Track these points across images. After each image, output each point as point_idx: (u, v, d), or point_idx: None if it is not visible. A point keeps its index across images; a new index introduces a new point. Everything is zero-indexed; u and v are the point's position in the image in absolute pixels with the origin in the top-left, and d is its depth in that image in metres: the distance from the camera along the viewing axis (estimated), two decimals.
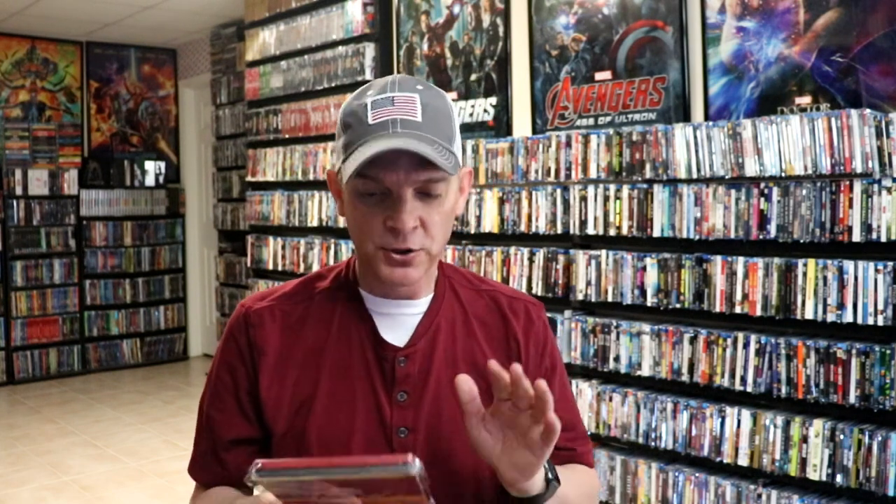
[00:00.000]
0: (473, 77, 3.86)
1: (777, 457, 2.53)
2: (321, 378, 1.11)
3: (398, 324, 1.14)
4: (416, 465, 0.80)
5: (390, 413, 1.09)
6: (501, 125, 3.73)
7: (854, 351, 2.38)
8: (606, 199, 3.03)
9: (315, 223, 4.44)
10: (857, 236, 2.39)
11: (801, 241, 2.51)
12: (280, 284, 1.22)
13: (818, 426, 2.45)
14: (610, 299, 3.01)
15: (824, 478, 2.43)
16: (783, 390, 2.53)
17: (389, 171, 1.02)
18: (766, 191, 2.59)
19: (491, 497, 1.11)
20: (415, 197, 1.05)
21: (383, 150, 1.00)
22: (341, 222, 4.27)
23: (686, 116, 3.03)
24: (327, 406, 1.10)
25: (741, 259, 2.64)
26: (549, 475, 1.01)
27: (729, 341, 2.66)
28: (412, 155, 1.02)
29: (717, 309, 2.70)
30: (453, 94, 3.93)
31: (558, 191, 3.19)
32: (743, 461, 2.61)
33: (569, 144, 3.16)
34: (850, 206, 2.40)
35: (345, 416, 1.09)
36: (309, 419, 1.09)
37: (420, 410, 1.10)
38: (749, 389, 2.61)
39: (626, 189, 2.96)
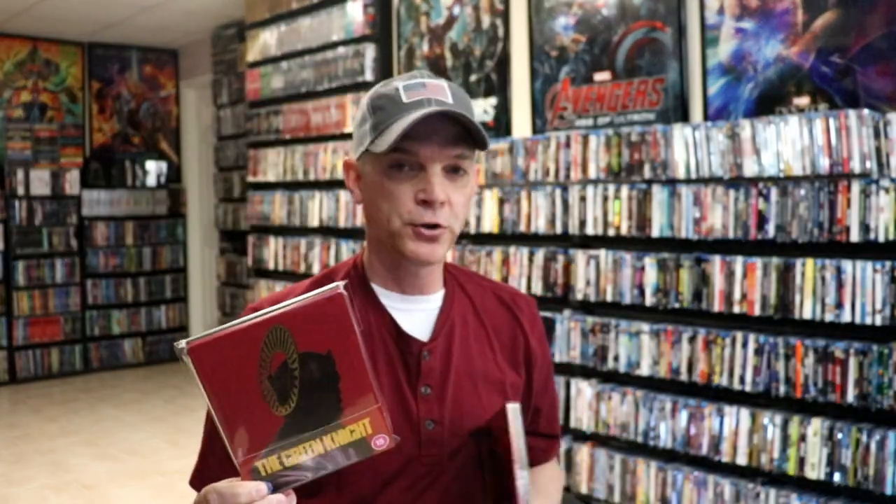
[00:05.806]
0: (473, 78, 3.87)
1: (775, 456, 2.54)
2: None
3: (414, 319, 1.16)
4: (341, 286, 0.83)
5: (416, 406, 1.12)
6: (501, 125, 3.73)
7: (852, 350, 2.39)
8: (605, 199, 3.04)
9: (316, 223, 4.45)
10: (855, 236, 2.40)
11: (800, 241, 2.52)
12: (289, 287, 1.22)
13: (816, 425, 2.46)
14: (609, 299, 3.02)
15: (822, 476, 2.44)
16: (781, 389, 2.54)
17: (424, 144, 1.07)
18: (764, 191, 2.59)
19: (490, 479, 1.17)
20: (443, 174, 1.10)
21: (430, 111, 1.05)
22: (342, 222, 4.29)
23: (685, 117, 3.04)
24: None
25: (740, 259, 2.65)
26: None
27: (727, 341, 2.67)
28: (447, 130, 1.07)
29: (716, 308, 2.71)
30: None
31: (557, 191, 3.20)
32: (741, 460, 2.62)
33: (568, 145, 3.17)
34: (849, 206, 2.41)
35: None
36: None
37: (443, 403, 1.13)
38: (748, 389, 2.62)
39: (625, 189, 2.97)
